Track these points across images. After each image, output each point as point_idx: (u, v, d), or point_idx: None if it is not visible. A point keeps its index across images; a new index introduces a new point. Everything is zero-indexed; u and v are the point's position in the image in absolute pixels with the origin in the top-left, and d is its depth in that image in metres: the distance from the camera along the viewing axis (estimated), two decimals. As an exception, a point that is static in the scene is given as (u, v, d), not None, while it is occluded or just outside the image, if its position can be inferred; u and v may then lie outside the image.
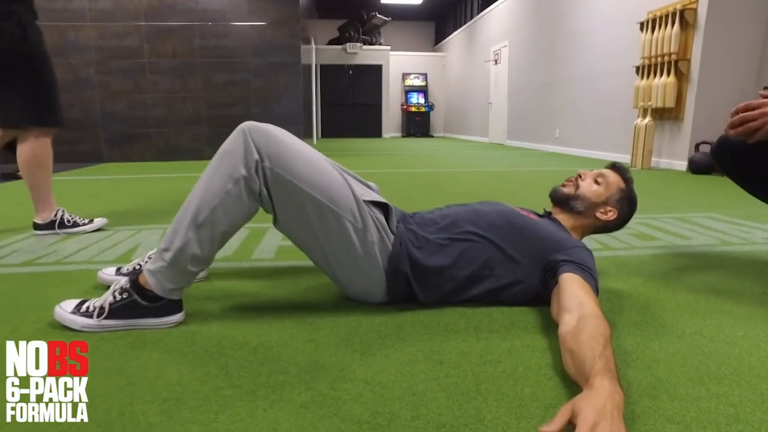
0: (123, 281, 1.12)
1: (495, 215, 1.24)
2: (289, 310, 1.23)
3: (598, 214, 1.33)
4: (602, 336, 0.84)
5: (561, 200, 1.37)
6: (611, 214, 1.33)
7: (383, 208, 1.21)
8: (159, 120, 5.74)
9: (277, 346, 1.02)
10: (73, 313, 1.09)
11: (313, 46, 9.04)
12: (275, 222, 1.15)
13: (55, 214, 2.07)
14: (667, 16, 4.67)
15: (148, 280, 1.09)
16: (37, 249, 1.81)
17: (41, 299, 1.27)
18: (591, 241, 1.89)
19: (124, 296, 1.09)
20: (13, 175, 4.28)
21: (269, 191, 1.09)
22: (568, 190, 1.37)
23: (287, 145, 1.09)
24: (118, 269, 1.39)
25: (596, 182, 1.36)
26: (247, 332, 1.09)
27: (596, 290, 1.06)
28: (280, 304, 1.27)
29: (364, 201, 1.14)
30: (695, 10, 4.47)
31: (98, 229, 2.13)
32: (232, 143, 1.08)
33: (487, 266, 1.18)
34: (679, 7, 4.54)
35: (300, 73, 5.98)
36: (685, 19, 4.52)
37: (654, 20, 4.86)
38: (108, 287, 1.20)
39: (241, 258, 1.70)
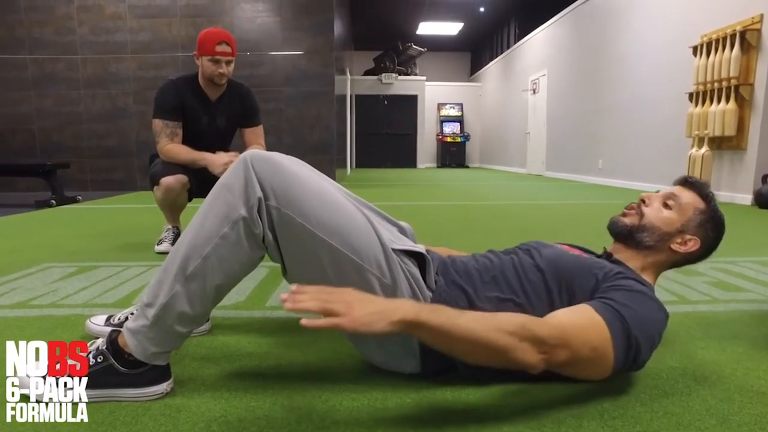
0: (100, 341, 0.93)
1: (543, 263, 0.99)
2: (301, 379, 1.00)
3: (674, 246, 1.04)
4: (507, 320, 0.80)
5: (623, 234, 1.08)
6: (692, 245, 1.03)
7: (418, 258, 0.98)
8: (193, 149, 5.73)
9: (279, 437, 0.79)
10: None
11: (348, 76, 9.05)
12: (284, 273, 0.94)
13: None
14: (724, 38, 4.34)
15: (127, 341, 0.89)
16: (38, 287, 1.66)
17: (16, 355, 1.09)
18: (662, 294, 1.60)
19: (99, 360, 0.89)
20: (47, 203, 4.27)
21: (275, 236, 0.88)
22: (631, 220, 1.08)
23: (299, 179, 0.88)
24: (108, 318, 1.20)
25: (666, 206, 1.06)
26: (245, 411, 0.87)
27: (637, 352, 0.87)
28: (292, 371, 1.05)
29: (394, 250, 0.91)
30: (759, 30, 4.12)
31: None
32: (231, 176, 0.88)
33: None
34: (739, 28, 4.21)
35: (334, 102, 5.90)
36: (746, 40, 4.18)
37: (709, 43, 4.54)
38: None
39: (254, 306, 1.49)
